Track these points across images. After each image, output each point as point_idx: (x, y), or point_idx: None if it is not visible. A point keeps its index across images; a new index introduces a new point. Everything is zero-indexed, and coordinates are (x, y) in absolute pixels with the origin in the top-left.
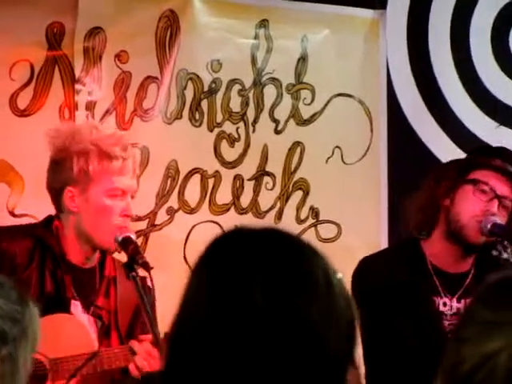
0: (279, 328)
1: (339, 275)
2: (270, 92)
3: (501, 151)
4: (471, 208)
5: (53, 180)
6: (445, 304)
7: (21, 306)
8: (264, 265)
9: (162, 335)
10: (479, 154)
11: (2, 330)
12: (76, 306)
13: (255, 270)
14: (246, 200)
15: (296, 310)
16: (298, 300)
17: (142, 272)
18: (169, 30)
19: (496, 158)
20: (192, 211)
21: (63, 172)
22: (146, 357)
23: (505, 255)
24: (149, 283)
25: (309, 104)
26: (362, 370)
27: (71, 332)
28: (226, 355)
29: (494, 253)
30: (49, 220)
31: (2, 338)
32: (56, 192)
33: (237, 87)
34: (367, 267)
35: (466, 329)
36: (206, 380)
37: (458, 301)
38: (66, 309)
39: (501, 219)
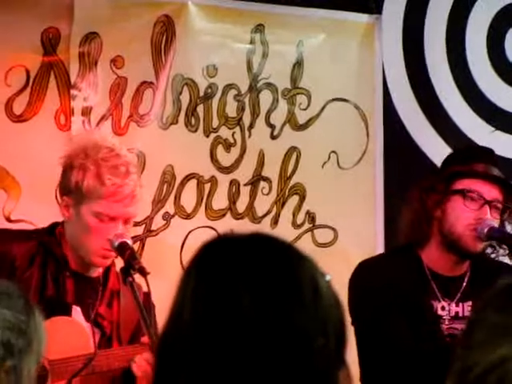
0: (265, 333)
1: (328, 277)
2: (265, 97)
3: (480, 153)
4: (464, 218)
5: (60, 182)
6: (443, 308)
7: (27, 316)
8: (251, 271)
9: None
10: (460, 161)
11: (9, 341)
12: (77, 312)
13: (242, 276)
14: (242, 205)
15: (282, 315)
16: (284, 305)
17: (144, 287)
18: (164, 35)
19: (478, 162)
20: (188, 216)
21: (65, 179)
22: (145, 362)
23: (495, 255)
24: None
25: (305, 109)
26: (355, 371)
27: (70, 334)
28: (210, 359)
29: (489, 251)
30: (53, 226)
31: (9, 350)
32: (60, 195)
33: (233, 92)
34: (365, 271)
35: (476, 334)
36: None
37: (457, 304)
38: (66, 313)
39: (495, 222)
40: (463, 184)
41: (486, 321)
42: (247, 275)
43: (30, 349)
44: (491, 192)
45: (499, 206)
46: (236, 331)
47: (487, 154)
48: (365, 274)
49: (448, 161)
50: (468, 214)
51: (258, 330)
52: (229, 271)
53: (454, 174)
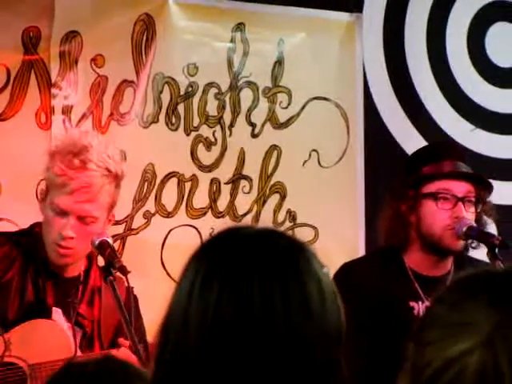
0: (272, 343)
1: (325, 270)
2: (246, 95)
3: (445, 150)
4: (440, 219)
5: None
6: None
7: None
8: (259, 272)
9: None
10: (426, 161)
11: None
12: (58, 314)
13: (250, 276)
14: (222, 204)
15: (290, 327)
16: (293, 318)
17: (129, 282)
18: (145, 33)
19: (444, 160)
20: (169, 215)
21: (46, 170)
22: None
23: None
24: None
25: (285, 107)
26: None
27: (51, 337)
28: (212, 357)
29: (472, 246)
30: (33, 226)
31: None
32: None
33: (213, 91)
34: (347, 273)
35: (430, 331)
36: (192, 381)
37: None
38: (47, 316)
39: (471, 216)
40: (433, 186)
41: (441, 318)
42: (255, 286)
43: None
44: (461, 187)
45: (472, 199)
46: (241, 331)
47: (452, 149)
48: (346, 278)
49: (413, 161)
50: (443, 215)
51: (266, 339)
52: (238, 271)
53: (421, 178)
